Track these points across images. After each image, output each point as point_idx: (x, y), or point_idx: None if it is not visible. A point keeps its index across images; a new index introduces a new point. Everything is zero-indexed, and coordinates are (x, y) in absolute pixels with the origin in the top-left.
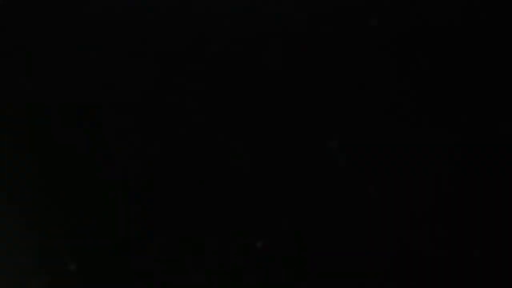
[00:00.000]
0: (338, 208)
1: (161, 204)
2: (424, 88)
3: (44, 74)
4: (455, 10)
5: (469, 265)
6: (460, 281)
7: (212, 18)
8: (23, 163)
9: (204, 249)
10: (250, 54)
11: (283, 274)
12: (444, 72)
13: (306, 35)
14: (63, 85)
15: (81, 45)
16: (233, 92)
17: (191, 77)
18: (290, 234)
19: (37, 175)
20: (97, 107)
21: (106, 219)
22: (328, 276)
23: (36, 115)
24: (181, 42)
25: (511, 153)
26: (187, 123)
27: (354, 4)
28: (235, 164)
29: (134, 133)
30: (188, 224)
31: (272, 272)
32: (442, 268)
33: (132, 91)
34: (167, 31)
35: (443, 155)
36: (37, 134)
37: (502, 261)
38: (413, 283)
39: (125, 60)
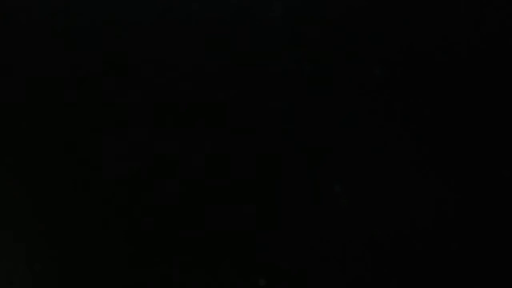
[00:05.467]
0: (341, 246)
1: (162, 242)
2: (427, 137)
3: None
4: (460, 58)
5: None
6: None
7: (217, 61)
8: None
9: (208, 286)
10: (256, 100)
11: None
12: (448, 122)
13: (313, 83)
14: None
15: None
16: (230, 136)
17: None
18: (293, 272)
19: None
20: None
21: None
22: None
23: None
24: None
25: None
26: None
27: (359, 54)
28: (238, 201)
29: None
30: (191, 260)
31: None
32: None
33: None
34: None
35: (442, 200)
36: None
37: None
38: None
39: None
